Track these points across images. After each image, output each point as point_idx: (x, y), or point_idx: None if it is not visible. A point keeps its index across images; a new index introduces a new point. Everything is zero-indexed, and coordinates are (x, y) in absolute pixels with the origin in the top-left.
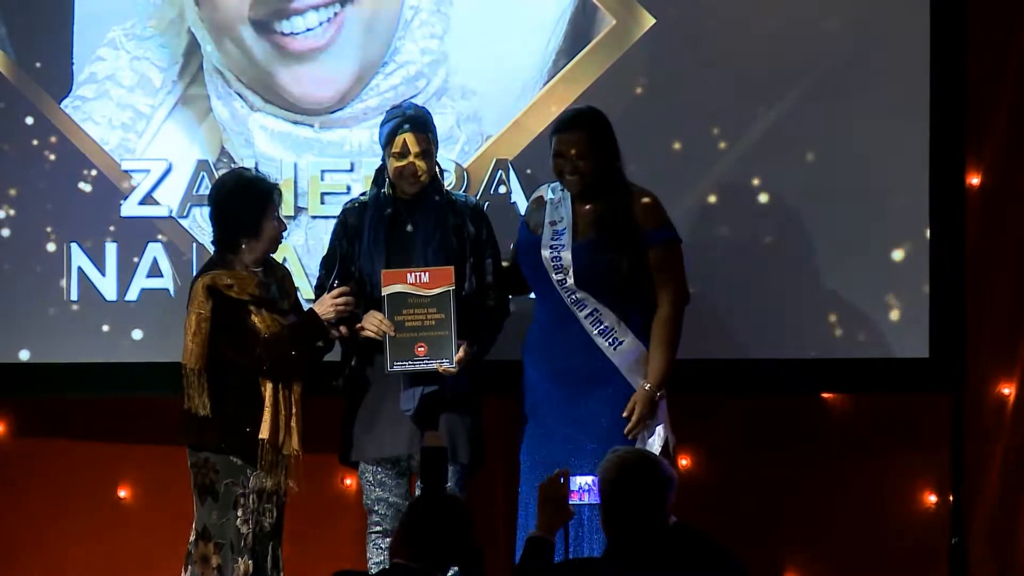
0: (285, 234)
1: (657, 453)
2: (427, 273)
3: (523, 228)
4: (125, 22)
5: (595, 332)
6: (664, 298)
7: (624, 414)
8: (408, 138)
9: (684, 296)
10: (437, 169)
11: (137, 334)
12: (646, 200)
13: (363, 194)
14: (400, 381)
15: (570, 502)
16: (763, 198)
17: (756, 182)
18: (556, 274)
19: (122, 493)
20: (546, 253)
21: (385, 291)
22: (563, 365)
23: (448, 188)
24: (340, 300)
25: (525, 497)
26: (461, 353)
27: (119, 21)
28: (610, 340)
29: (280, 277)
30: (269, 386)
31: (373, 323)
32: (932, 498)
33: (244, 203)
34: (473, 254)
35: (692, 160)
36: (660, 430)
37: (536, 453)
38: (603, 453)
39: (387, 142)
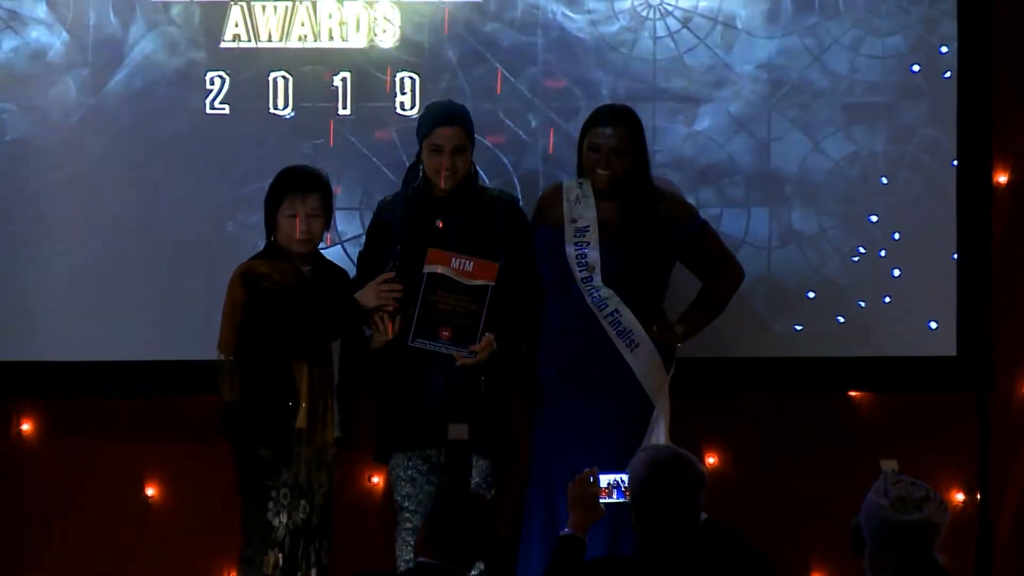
0: (326, 237)
1: None
2: (472, 263)
3: (537, 224)
4: None
5: (614, 333)
6: (723, 275)
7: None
8: (445, 132)
9: (740, 272)
10: (472, 165)
11: (166, 332)
12: (673, 196)
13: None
14: (428, 377)
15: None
16: (790, 195)
17: (784, 180)
18: (581, 271)
19: (150, 492)
20: (571, 250)
21: (427, 269)
22: (580, 367)
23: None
24: (386, 287)
25: (534, 494)
26: (482, 346)
27: None
28: (628, 342)
29: (332, 277)
30: (305, 378)
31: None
32: (960, 496)
33: (268, 193)
34: (507, 251)
35: (722, 158)
36: (660, 434)
37: (548, 452)
38: (615, 454)
39: (424, 136)
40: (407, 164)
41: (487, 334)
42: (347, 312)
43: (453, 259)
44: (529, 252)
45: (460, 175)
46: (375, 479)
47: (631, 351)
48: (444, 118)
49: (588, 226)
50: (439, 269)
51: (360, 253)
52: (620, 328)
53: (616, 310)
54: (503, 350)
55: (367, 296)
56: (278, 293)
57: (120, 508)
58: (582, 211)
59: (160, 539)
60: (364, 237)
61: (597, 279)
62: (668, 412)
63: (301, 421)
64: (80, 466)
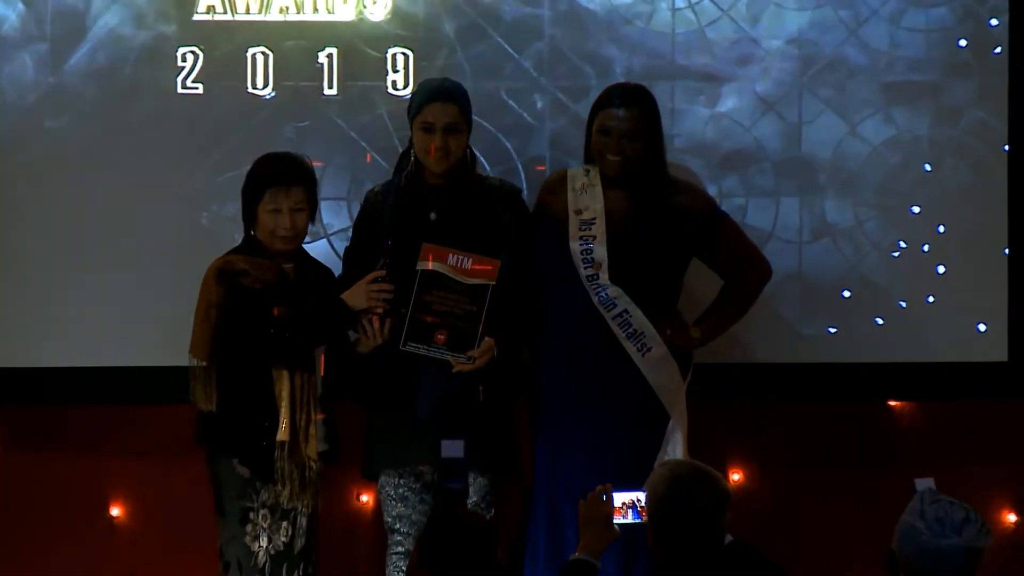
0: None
1: None
2: (470, 259)
3: (538, 216)
4: None
5: (623, 335)
6: (745, 272)
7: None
8: (437, 109)
9: (767, 267)
10: (468, 151)
11: (134, 334)
12: (689, 185)
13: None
14: (421, 385)
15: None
16: (823, 184)
17: (816, 168)
18: (586, 268)
19: (115, 512)
20: (575, 245)
21: (421, 265)
22: (587, 374)
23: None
24: (375, 287)
25: (538, 514)
26: (481, 351)
27: None
28: (639, 345)
29: (317, 276)
30: (286, 387)
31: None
32: (1011, 517)
33: (246, 185)
34: (508, 245)
35: (748, 143)
36: (677, 446)
37: (553, 468)
38: (627, 469)
39: (414, 115)
40: (400, 150)
41: (487, 338)
42: (333, 314)
43: (449, 255)
44: (532, 247)
45: (454, 158)
46: (364, 497)
47: (642, 355)
48: (436, 94)
49: (594, 218)
50: (434, 266)
51: (346, 249)
52: (630, 330)
53: (625, 310)
54: (504, 355)
55: (355, 297)
56: (257, 292)
57: (82, 529)
58: (588, 201)
59: (126, 565)
60: (351, 231)
61: (603, 277)
62: (686, 423)
63: (282, 434)
64: (39, 481)
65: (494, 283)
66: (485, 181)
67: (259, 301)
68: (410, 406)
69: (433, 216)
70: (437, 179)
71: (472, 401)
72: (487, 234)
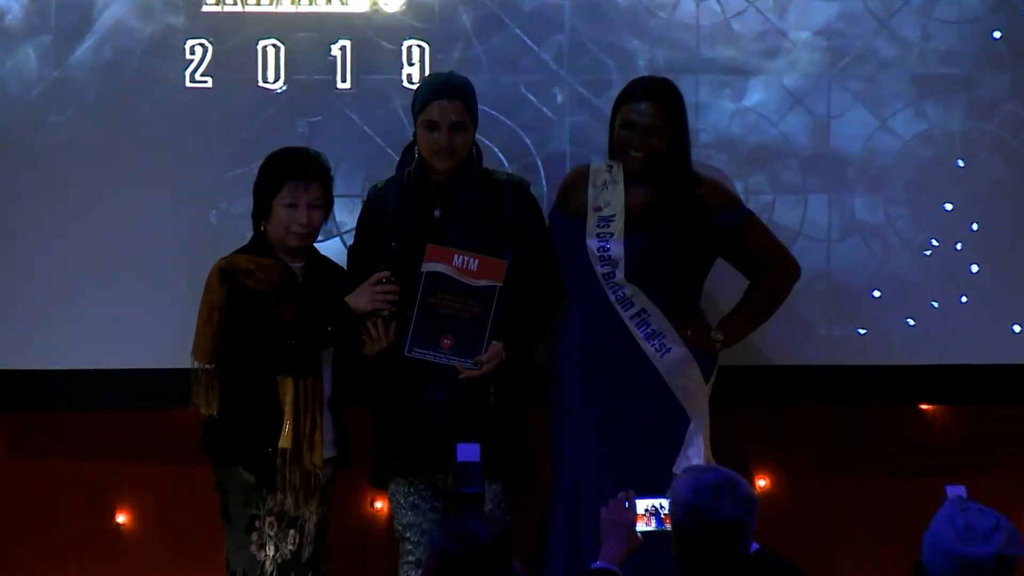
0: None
1: None
2: (477, 260)
3: (557, 213)
4: None
5: (641, 335)
6: (772, 271)
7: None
8: (441, 107)
9: (795, 267)
10: (474, 147)
11: (139, 337)
12: (713, 182)
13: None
14: (429, 391)
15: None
16: (852, 180)
17: (845, 163)
18: (602, 266)
19: (121, 519)
20: (592, 242)
21: (425, 267)
22: (605, 376)
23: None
24: (379, 288)
25: (556, 522)
26: (489, 356)
27: None
28: (656, 345)
29: (325, 276)
30: (290, 391)
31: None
32: None
33: (261, 177)
34: (516, 242)
35: (775, 138)
36: (698, 451)
37: (571, 474)
38: (648, 476)
39: (418, 111)
40: None
41: (494, 342)
42: (337, 317)
43: (455, 256)
44: (542, 245)
45: (459, 155)
46: (378, 504)
47: (661, 356)
48: (440, 90)
49: (614, 215)
50: (439, 268)
51: (350, 248)
52: (648, 330)
53: (643, 309)
54: (514, 359)
55: (359, 299)
56: (262, 293)
57: (86, 537)
58: (608, 197)
59: (132, 573)
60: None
61: (620, 275)
62: (707, 427)
63: (284, 440)
64: (42, 488)
65: (501, 284)
66: (491, 176)
67: (263, 303)
68: (418, 413)
69: (437, 213)
70: (441, 176)
71: (482, 406)
72: (494, 231)
